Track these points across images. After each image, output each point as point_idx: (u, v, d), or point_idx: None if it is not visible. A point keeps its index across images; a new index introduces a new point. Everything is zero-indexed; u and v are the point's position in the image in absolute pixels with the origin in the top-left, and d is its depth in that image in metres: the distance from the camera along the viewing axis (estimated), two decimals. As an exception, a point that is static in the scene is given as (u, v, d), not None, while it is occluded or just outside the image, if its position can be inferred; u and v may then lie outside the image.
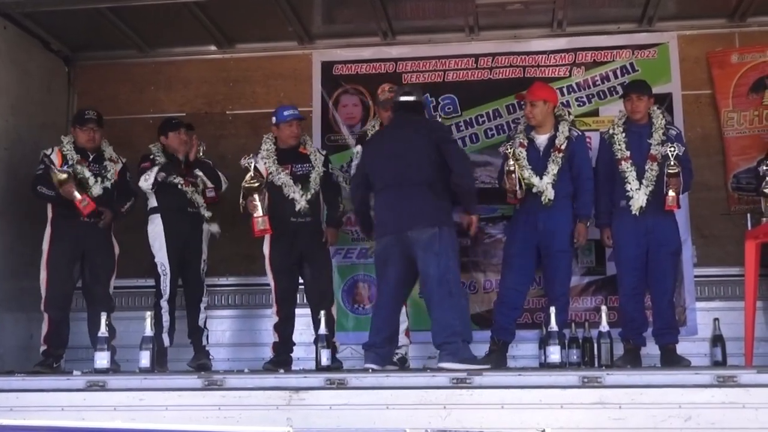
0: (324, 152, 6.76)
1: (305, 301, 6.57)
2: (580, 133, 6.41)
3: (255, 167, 6.26)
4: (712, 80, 7.29)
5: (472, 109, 7.40)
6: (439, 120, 7.16)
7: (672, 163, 6.07)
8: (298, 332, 6.54)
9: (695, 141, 7.03)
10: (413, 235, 5.63)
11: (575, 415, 4.60)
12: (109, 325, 5.98)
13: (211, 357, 6.59)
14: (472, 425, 4.57)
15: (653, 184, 6.22)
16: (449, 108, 7.41)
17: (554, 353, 5.50)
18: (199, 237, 6.67)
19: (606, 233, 6.43)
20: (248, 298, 7.35)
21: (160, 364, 6.12)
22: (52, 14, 6.90)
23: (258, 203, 6.17)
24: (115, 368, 5.95)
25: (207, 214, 6.67)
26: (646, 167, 6.24)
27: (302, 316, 6.52)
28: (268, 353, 6.48)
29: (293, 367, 6.33)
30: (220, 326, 7.16)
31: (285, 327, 6.42)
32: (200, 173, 6.68)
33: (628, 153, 6.29)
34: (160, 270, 6.49)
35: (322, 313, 5.90)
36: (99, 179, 6.48)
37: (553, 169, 6.23)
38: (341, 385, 4.88)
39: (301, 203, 6.39)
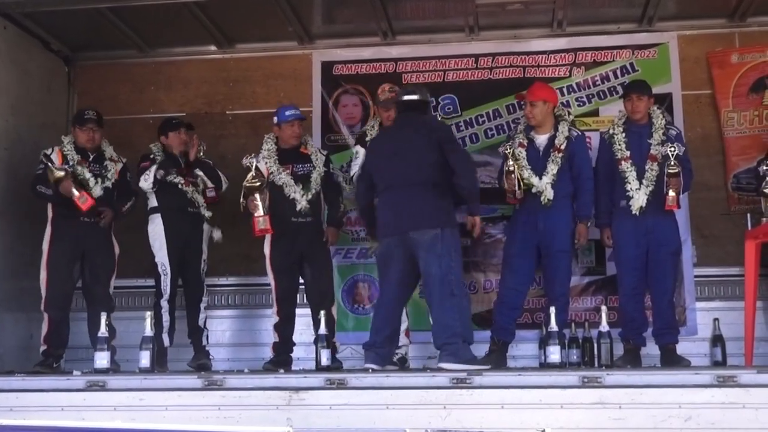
0: (325, 152, 6.77)
1: (305, 301, 6.57)
2: (579, 133, 6.41)
3: (256, 167, 6.26)
4: (712, 80, 7.29)
5: (472, 109, 7.40)
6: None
7: (672, 162, 6.07)
8: (298, 332, 6.54)
9: (695, 141, 7.03)
10: (415, 236, 5.63)
11: (575, 415, 4.60)
12: (109, 325, 5.98)
13: (211, 357, 6.59)
14: (472, 425, 4.57)
15: (653, 184, 6.22)
16: (449, 108, 7.41)
17: (554, 353, 5.50)
18: (199, 237, 6.67)
19: (606, 233, 6.43)
20: (248, 298, 7.35)
21: (160, 364, 6.12)
22: (52, 14, 6.90)
23: (259, 203, 6.18)
24: (115, 368, 5.95)
25: (207, 213, 6.67)
26: (646, 167, 6.24)
27: (302, 316, 6.52)
28: (268, 353, 6.48)
29: (293, 367, 6.33)
30: (220, 326, 7.16)
31: (285, 327, 6.42)
32: (200, 173, 6.68)
33: (628, 153, 6.29)
34: (160, 270, 6.49)
35: (322, 313, 5.90)
36: (99, 179, 6.48)
37: (552, 169, 6.23)
38: (341, 385, 4.88)
39: (302, 203, 6.39)
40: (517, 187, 6.21)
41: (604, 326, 5.81)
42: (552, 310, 5.66)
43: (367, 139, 6.57)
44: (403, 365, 6.26)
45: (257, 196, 6.17)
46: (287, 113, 6.52)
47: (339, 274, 7.15)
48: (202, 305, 6.64)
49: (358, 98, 7.55)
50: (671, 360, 6.18)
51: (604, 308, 5.93)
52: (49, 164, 6.31)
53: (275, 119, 6.56)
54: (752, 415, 4.47)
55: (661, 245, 6.26)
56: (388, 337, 5.76)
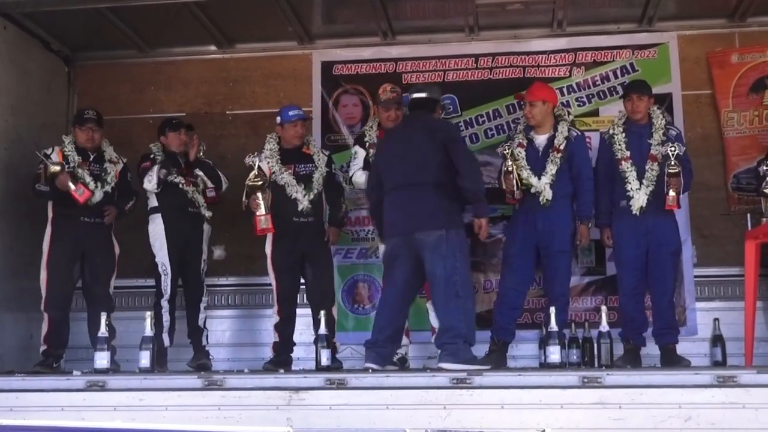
0: (327, 153, 6.77)
1: (305, 301, 6.57)
2: (579, 133, 6.41)
3: (258, 166, 6.25)
4: (712, 80, 7.29)
5: (472, 109, 7.40)
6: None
7: (672, 162, 6.07)
8: (298, 332, 6.54)
9: (695, 141, 7.03)
10: (420, 237, 5.61)
11: (575, 415, 4.60)
12: (109, 325, 5.98)
13: (211, 357, 6.59)
14: (472, 425, 4.57)
15: (653, 184, 6.22)
16: (449, 108, 7.40)
17: (554, 353, 5.50)
18: (199, 237, 6.67)
19: (606, 233, 6.43)
20: (248, 298, 7.35)
21: (160, 364, 6.12)
22: (52, 14, 6.90)
23: (261, 201, 6.17)
24: (115, 368, 5.96)
25: (208, 213, 6.67)
26: (647, 167, 6.24)
27: (302, 316, 6.52)
28: (268, 353, 6.48)
29: (293, 367, 6.33)
30: (220, 326, 7.16)
31: (286, 327, 6.42)
32: (200, 173, 6.68)
33: (628, 153, 6.29)
34: (160, 270, 6.49)
35: (322, 313, 5.90)
36: (99, 184, 6.47)
37: (551, 169, 6.23)
38: (341, 386, 4.88)
39: (304, 203, 6.39)
40: (515, 188, 6.21)
41: (604, 326, 5.81)
42: (552, 310, 5.66)
43: (366, 139, 6.58)
44: (403, 365, 6.26)
45: (259, 195, 6.17)
46: (291, 113, 6.52)
47: (339, 274, 7.14)
48: (202, 305, 6.64)
49: (358, 98, 7.55)
50: (671, 360, 6.18)
51: (604, 308, 5.93)
52: (44, 159, 6.30)
53: (278, 119, 6.56)
54: (752, 415, 4.47)
55: (661, 245, 6.25)
56: (389, 337, 5.75)
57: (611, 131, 6.41)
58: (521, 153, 6.30)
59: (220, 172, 6.77)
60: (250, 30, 7.52)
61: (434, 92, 6.15)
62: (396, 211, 5.79)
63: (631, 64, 7.33)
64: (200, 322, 6.61)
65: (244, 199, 6.22)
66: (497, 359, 6.14)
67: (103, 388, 5.03)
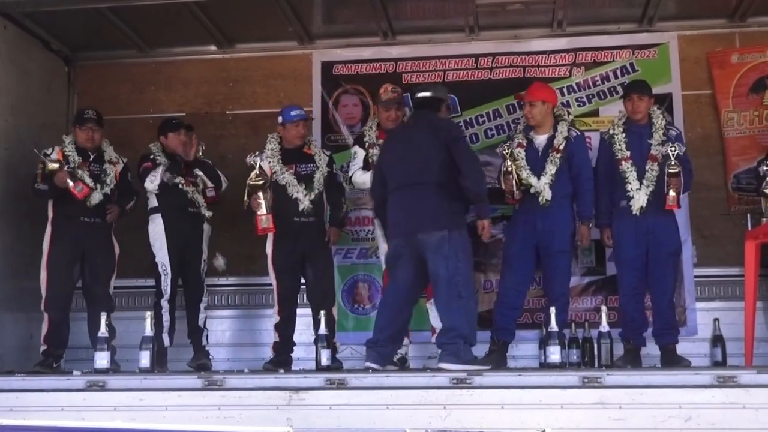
0: (328, 153, 6.76)
1: (305, 301, 6.57)
2: (579, 134, 6.40)
3: (260, 165, 6.25)
4: (712, 80, 7.29)
5: (472, 109, 7.40)
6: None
7: (672, 162, 6.07)
8: (299, 332, 6.53)
9: (695, 141, 7.03)
10: (423, 238, 5.61)
11: (575, 415, 4.60)
12: (109, 325, 5.98)
13: (211, 357, 6.59)
14: (472, 425, 4.57)
15: (654, 184, 6.22)
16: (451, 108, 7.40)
17: (554, 353, 5.50)
18: (199, 237, 6.67)
19: (606, 233, 6.43)
20: (248, 298, 7.35)
21: (160, 364, 6.12)
22: (52, 14, 6.90)
23: (262, 201, 6.17)
24: (115, 368, 5.96)
25: (208, 213, 6.67)
26: (647, 167, 6.24)
27: (302, 316, 6.51)
28: (268, 353, 6.48)
29: (293, 367, 6.33)
30: (220, 326, 7.16)
31: (286, 327, 6.42)
32: (200, 173, 6.68)
33: (628, 153, 6.29)
34: (160, 270, 6.49)
35: (323, 313, 5.91)
36: (98, 186, 6.47)
37: (551, 169, 6.22)
38: (341, 386, 4.88)
39: (305, 203, 6.39)
40: (515, 188, 6.20)
41: (604, 326, 5.81)
42: (552, 310, 5.66)
43: (366, 139, 6.57)
44: (403, 365, 6.25)
45: (260, 194, 6.17)
46: (292, 113, 6.52)
47: (339, 274, 7.14)
48: (202, 305, 6.64)
49: (358, 98, 7.55)
50: (671, 360, 6.18)
51: (604, 308, 5.94)
52: (43, 156, 6.30)
53: (280, 119, 6.55)
54: (752, 416, 4.47)
55: (661, 245, 6.25)
56: (390, 337, 5.75)
57: (611, 131, 6.41)
58: (521, 153, 6.30)
59: (219, 172, 6.77)
60: (250, 30, 7.52)
61: (439, 91, 6.14)
62: (399, 212, 5.78)
63: (631, 64, 7.33)
64: (200, 322, 6.61)
65: (245, 198, 6.22)
66: (497, 359, 6.14)
67: (103, 388, 5.03)
